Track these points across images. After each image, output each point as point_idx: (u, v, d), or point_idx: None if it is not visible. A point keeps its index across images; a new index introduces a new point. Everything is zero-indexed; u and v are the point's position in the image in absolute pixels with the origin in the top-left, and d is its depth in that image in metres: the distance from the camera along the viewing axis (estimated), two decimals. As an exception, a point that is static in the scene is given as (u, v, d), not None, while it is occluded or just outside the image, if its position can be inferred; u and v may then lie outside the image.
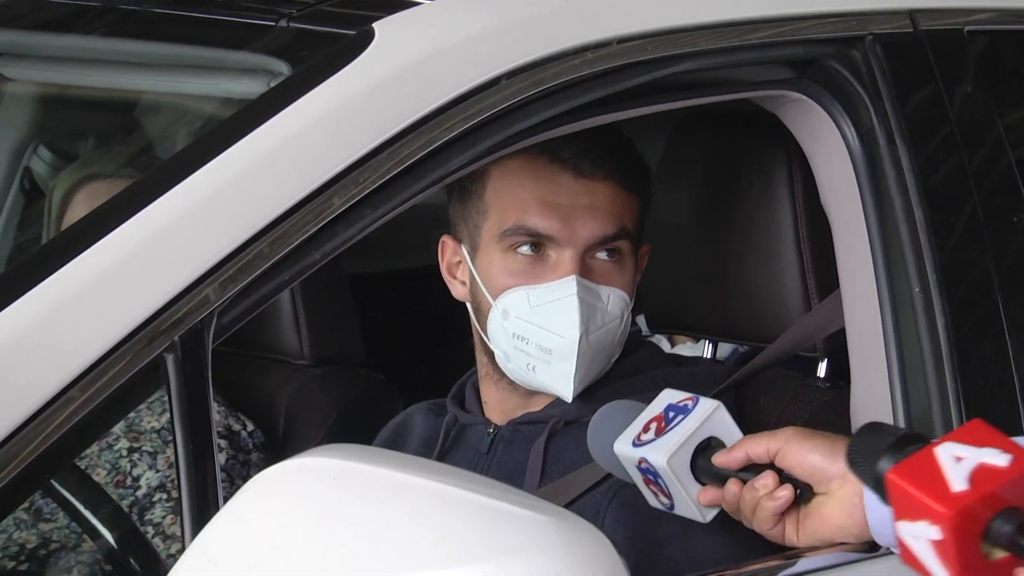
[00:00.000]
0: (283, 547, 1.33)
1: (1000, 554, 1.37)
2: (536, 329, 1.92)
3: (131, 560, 1.64)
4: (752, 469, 1.69)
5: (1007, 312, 1.91)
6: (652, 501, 1.76)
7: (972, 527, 1.36)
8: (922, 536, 1.37)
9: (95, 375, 1.48)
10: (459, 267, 2.03)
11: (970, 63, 1.99)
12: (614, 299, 1.95)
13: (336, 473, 1.36)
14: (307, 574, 1.31)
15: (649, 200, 2.03)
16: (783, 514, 1.69)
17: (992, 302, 1.91)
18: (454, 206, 2.03)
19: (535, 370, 1.94)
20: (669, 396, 1.75)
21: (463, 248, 2.01)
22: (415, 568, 1.30)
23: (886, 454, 1.43)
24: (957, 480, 1.36)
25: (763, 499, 1.66)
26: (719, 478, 1.70)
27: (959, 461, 1.37)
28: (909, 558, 1.41)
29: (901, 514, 1.40)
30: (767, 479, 1.66)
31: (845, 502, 1.64)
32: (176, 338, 1.51)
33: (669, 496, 1.73)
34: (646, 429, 1.73)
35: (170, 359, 1.50)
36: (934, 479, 1.36)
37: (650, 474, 1.72)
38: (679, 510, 1.74)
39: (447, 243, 2.04)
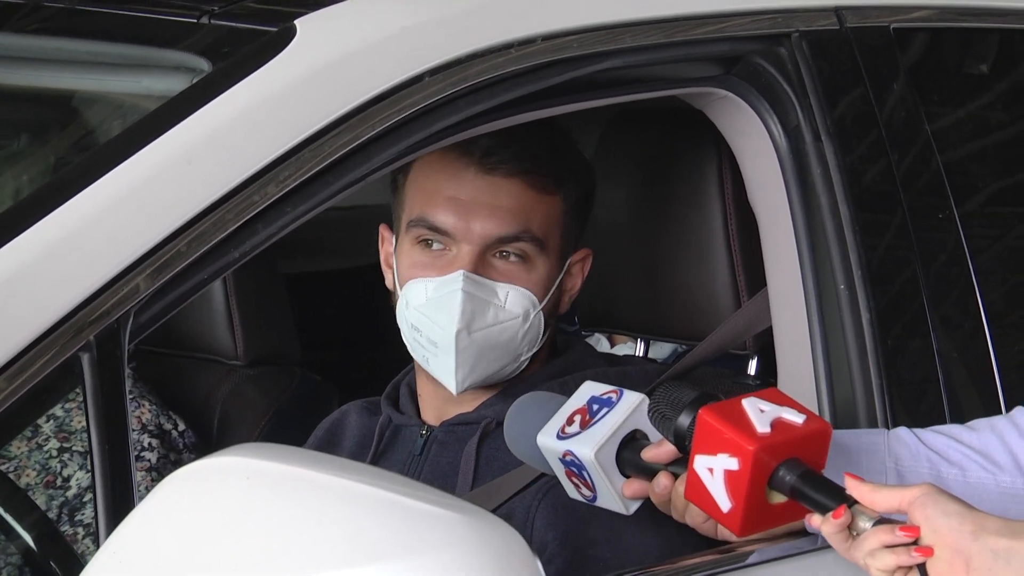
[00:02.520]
0: (195, 547, 1.32)
1: (779, 499, 1.55)
2: (427, 321, 1.93)
3: (51, 562, 1.62)
4: (682, 462, 1.68)
5: (932, 308, 1.92)
6: (572, 493, 1.76)
7: (764, 467, 1.53)
8: (719, 467, 1.53)
9: (12, 373, 1.47)
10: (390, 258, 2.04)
11: (896, 60, 2.00)
12: (514, 296, 1.93)
13: (249, 472, 1.35)
14: (219, 573, 1.30)
15: (582, 202, 2.02)
16: None
17: (918, 298, 1.92)
18: (392, 198, 2.04)
19: (428, 362, 1.96)
20: (591, 389, 1.75)
21: (393, 239, 2.02)
22: (328, 566, 1.30)
23: (687, 408, 1.58)
24: (761, 424, 1.54)
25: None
26: (646, 471, 1.69)
27: (762, 412, 1.55)
28: (693, 491, 1.57)
29: (703, 448, 1.55)
30: None
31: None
32: (92, 337, 1.49)
33: (592, 488, 1.72)
34: (570, 422, 1.72)
35: (85, 358, 1.49)
36: (741, 421, 1.54)
37: (574, 467, 1.71)
38: (601, 502, 1.74)
39: (384, 233, 2.05)
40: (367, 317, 2.81)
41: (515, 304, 1.94)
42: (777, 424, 1.54)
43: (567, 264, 2.00)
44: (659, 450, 1.68)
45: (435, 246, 1.95)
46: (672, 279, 2.13)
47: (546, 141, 1.99)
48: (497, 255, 1.94)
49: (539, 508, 1.87)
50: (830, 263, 1.88)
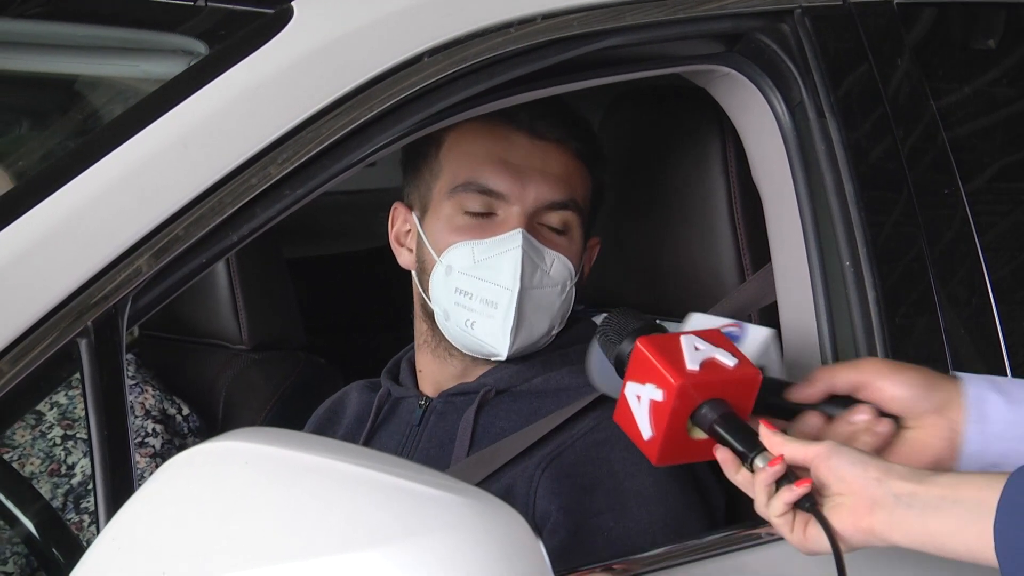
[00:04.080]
0: (194, 533, 1.31)
1: (699, 435, 1.59)
2: (480, 283, 1.92)
3: (54, 550, 1.62)
4: (836, 402, 1.65)
5: (939, 286, 1.90)
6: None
7: (687, 403, 1.57)
8: (645, 396, 1.57)
9: (9, 359, 1.46)
10: (408, 236, 2.03)
11: (900, 35, 1.98)
12: (558, 264, 1.94)
13: (248, 457, 1.34)
14: (218, 559, 1.29)
15: (602, 186, 2.03)
16: None
17: (924, 276, 1.90)
18: (407, 173, 2.04)
19: (473, 326, 1.93)
20: (703, 322, 1.72)
21: (414, 214, 2.01)
22: (328, 551, 1.28)
23: (631, 336, 1.62)
24: (691, 361, 1.57)
25: (861, 434, 1.62)
26: (785, 412, 1.66)
27: (696, 350, 1.59)
28: (621, 416, 1.61)
29: (634, 376, 1.59)
30: (864, 414, 1.62)
31: (943, 434, 1.62)
32: (89, 323, 1.48)
33: None
34: None
35: (83, 344, 1.48)
36: (674, 355, 1.58)
37: None
38: None
39: (399, 210, 2.04)
40: (371, 301, 2.80)
41: (557, 272, 1.94)
42: (708, 364, 1.58)
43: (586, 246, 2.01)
44: (811, 389, 1.64)
45: (479, 209, 1.93)
46: (676, 258, 2.12)
47: (581, 117, 2.02)
48: (541, 223, 1.95)
49: (542, 479, 1.87)
50: (835, 241, 1.87)
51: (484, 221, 1.94)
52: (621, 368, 1.64)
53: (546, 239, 1.94)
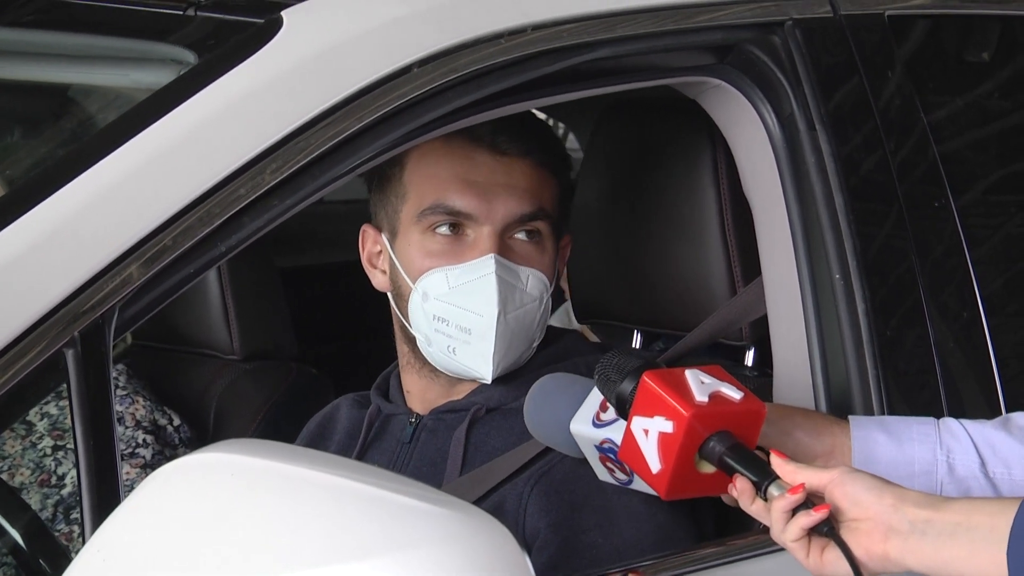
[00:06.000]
0: (179, 544, 1.31)
1: (707, 469, 1.60)
2: (455, 309, 1.91)
3: (40, 560, 1.61)
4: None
5: (929, 298, 1.90)
6: (604, 476, 1.76)
7: (696, 434, 1.58)
8: (654, 429, 1.58)
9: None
10: (379, 256, 2.02)
11: (891, 48, 1.98)
12: (533, 280, 1.94)
13: (234, 469, 1.33)
14: (204, 571, 1.29)
15: (569, 187, 2.02)
16: None
17: (914, 289, 1.90)
18: (374, 194, 2.02)
19: (455, 352, 1.93)
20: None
21: (383, 236, 2.00)
22: (314, 563, 1.28)
23: (631, 375, 1.63)
24: (699, 393, 1.60)
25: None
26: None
27: (703, 384, 1.61)
28: (627, 452, 1.62)
29: (641, 411, 1.60)
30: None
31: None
32: (76, 333, 1.48)
33: (628, 473, 1.72)
34: (604, 408, 1.72)
35: (70, 354, 1.48)
36: (681, 388, 1.60)
37: (611, 453, 1.71)
38: (637, 486, 1.74)
39: (367, 232, 2.03)
40: (363, 310, 2.79)
41: (534, 287, 1.94)
42: (715, 396, 1.60)
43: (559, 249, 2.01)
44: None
45: (450, 232, 1.93)
46: (667, 270, 2.12)
47: (540, 125, 2.02)
48: (512, 237, 1.94)
49: (531, 495, 1.86)
50: (825, 253, 1.87)
51: (455, 243, 1.93)
52: (623, 408, 1.65)
53: (518, 254, 1.94)
